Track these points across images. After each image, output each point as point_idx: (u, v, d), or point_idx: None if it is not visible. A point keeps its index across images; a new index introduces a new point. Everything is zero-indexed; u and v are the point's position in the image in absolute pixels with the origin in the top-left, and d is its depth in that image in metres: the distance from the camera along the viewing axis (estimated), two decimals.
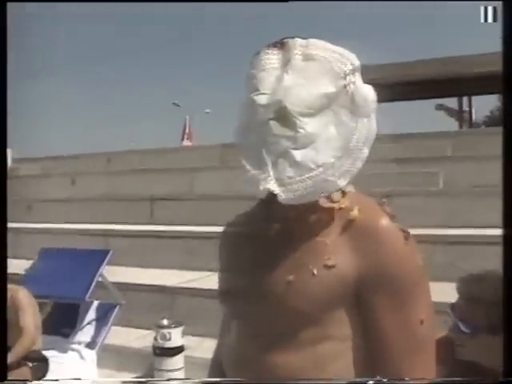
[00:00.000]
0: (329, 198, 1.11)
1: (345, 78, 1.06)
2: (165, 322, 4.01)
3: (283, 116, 1.03)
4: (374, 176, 7.10)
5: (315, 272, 1.05)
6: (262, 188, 1.03)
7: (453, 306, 1.80)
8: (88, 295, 4.21)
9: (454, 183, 6.35)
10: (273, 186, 1.03)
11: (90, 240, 6.59)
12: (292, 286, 1.06)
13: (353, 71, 1.07)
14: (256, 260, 1.14)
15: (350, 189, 1.16)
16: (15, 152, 12.08)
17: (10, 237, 5.23)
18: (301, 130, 1.02)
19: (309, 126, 1.03)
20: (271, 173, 1.03)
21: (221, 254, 1.29)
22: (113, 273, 5.46)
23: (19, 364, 3.22)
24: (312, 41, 1.10)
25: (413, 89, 13.10)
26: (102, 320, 4.24)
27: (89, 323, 4.23)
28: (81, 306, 4.31)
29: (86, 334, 4.17)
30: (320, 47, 1.09)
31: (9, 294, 3.55)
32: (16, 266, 4.94)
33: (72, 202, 8.44)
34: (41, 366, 3.45)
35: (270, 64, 1.09)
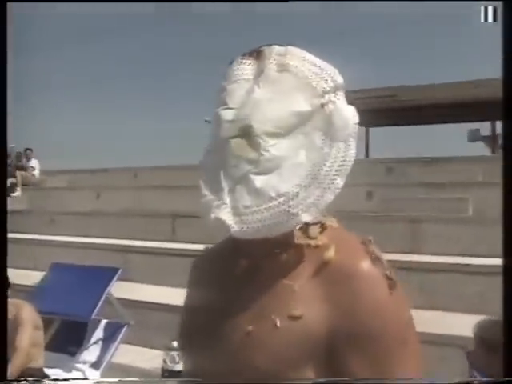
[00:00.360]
0: (305, 234, 0.96)
1: (323, 97, 0.92)
2: (175, 343, 3.88)
3: (247, 135, 0.89)
4: (401, 200, 6.98)
5: (278, 323, 0.90)
6: (213, 216, 0.89)
7: (469, 353, 1.64)
8: (94, 314, 4.10)
9: (484, 210, 6.14)
10: (225, 215, 0.88)
11: (110, 255, 6.55)
12: (250, 338, 0.91)
13: (334, 89, 0.93)
14: (219, 301, 1.00)
15: (331, 223, 1.00)
16: (43, 164, 12.22)
17: (31, 249, 5.22)
18: (265, 153, 0.88)
19: (275, 148, 0.88)
20: (227, 200, 0.89)
21: (187, 289, 1.15)
22: (129, 289, 5.38)
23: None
24: (291, 49, 0.96)
25: (443, 112, 12.88)
26: (109, 339, 4.12)
27: (95, 342, 4.11)
28: (88, 325, 4.20)
29: (91, 353, 4.05)
30: (298, 57, 0.95)
31: (12, 309, 3.50)
32: (36, 278, 4.90)
33: (95, 216, 8.43)
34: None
35: (242, 75, 0.96)
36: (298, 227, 0.95)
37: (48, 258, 6.07)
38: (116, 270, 4.39)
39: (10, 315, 2.76)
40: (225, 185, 0.89)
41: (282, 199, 0.86)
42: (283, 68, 0.93)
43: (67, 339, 4.15)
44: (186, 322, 1.09)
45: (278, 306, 0.91)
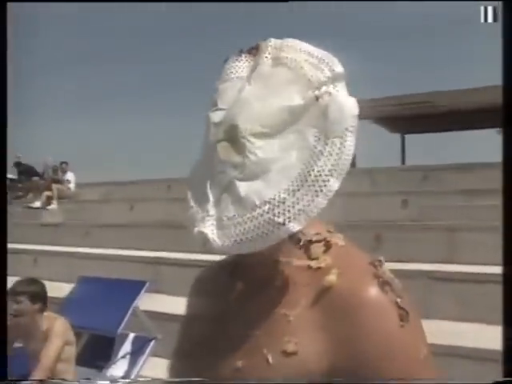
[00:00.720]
0: (307, 253, 0.86)
1: (318, 89, 0.80)
2: None
3: (233, 137, 0.79)
4: (438, 208, 6.81)
5: (270, 359, 0.79)
6: (195, 230, 0.79)
7: None
8: (121, 328, 4.05)
9: None
10: (208, 228, 0.78)
11: (143, 267, 6.55)
12: (240, 375, 0.81)
13: (331, 80, 0.81)
14: (212, 326, 0.91)
15: (337, 240, 0.89)
16: (78, 177, 12.38)
17: (66, 261, 5.21)
18: (251, 156, 0.77)
19: (262, 150, 0.77)
20: (212, 211, 0.79)
21: (188, 299, 1.05)
22: (161, 302, 5.35)
23: None
24: (288, 41, 0.86)
25: (479, 117, 12.61)
26: (136, 354, 4.06)
27: (123, 357, 4.06)
28: (116, 339, 4.15)
29: (119, 368, 4.00)
30: (295, 49, 0.85)
31: (47, 322, 3.50)
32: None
33: (128, 228, 8.47)
34: None
35: (236, 73, 0.86)
36: (300, 245, 0.86)
37: (82, 270, 6.11)
38: (143, 284, 4.34)
39: (43, 328, 2.78)
40: (210, 194, 0.80)
41: (266, 207, 0.75)
42: (278, 62, 0.83)
43: (95, 353, 4.13)
44: (181, 336, 1.00)
45: (270, 340, 0.81)
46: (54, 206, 11.36)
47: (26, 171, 13.23)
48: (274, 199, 0.75)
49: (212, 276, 1.02)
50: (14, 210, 11.50)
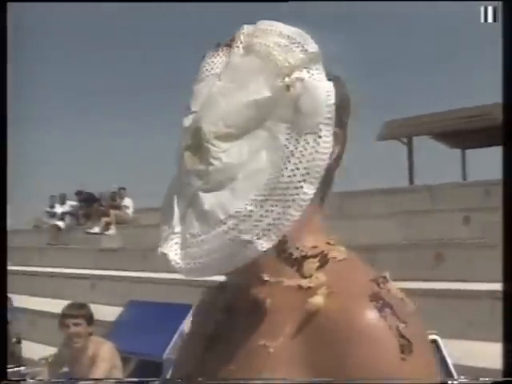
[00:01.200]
0: (300, 271, 0.72)
1: (289, 75, 0.68)
2: None
3: (198, 142, 0.69)
4: (501, 224, 6.49)
5: None
6: (159, 251, 0.70)
7: None
8: (167, 352, 3.98)
9: None
10: (170, 248, 0.68)
11: (197, 291, 6.51)
12: None
13: (305, 62, 0.69)
14: (200, 357, 0.80)
15: (336, 254, 0.73)
16: (136, 202, 12.56)
17: (123, 285, 5.24)
18: (215, 162, 0.67)
19: (227, 154, 0.67)
20: (177, 228, 0.69)
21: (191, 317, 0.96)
22: None
23: None
24: (261, 24, 0.74)
25: None
26: None
27: None
28: (163, 363, 4.07)
29: None
30: (266, 32, 0.72)
31: (93, 346, 3.46)
32: None
33: None
34: None
35: (211, 70, 0.75)
36: (292, 261, 0.73)
37: (139, 294, 6.13)
38: (190, 307, 4.25)
39: (89, 352, 2.78)
40: (176, 209, 0.70)
41: (231, 222, 0.65)
42: (250, 50, 0.72)
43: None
44: (177, 356, 0.92)
45: (248, 375, 0.68)
46: (112, 231, 11.53)
47: (87, 199, 13.54)
48: (240, 212, 0.65)
49: (210, 299, 0.91)
50: (74, 236, 11.78)
